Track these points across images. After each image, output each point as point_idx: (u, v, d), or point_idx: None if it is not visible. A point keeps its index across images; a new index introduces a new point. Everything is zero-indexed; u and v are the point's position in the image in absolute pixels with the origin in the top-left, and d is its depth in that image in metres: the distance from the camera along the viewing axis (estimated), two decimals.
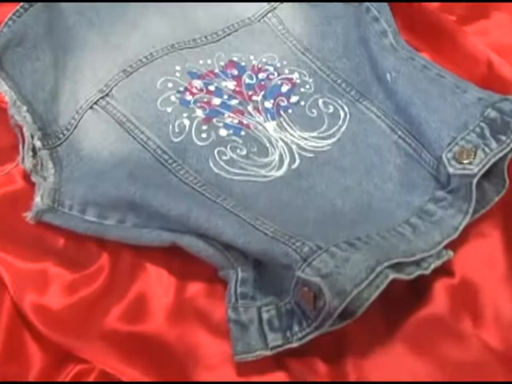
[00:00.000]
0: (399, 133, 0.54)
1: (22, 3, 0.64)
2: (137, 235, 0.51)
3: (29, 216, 0.55)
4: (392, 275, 0.42)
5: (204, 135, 0.55)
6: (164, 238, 0.49)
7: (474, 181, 0.47)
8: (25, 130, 0.58)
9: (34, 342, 0.48)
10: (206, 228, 0.47)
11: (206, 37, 0.64)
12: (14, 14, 0.64)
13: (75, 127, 0.58)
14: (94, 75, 0.61)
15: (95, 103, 0.59)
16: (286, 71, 0.61)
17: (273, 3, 0.66)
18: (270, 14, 0.65)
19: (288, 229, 0.47)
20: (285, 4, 0.65)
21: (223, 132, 0.55)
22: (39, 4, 0.64)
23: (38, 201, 0.55)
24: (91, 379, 0.46)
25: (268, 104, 0.58)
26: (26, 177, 0.58)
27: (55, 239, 0.53)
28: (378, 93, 0.57)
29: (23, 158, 0.57)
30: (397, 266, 0.44)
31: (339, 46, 0.62)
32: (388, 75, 0.56)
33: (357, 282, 0.42)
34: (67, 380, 0.46)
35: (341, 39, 0.62)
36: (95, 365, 0.45)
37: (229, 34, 0.64)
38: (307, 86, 0.59)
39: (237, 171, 0.53)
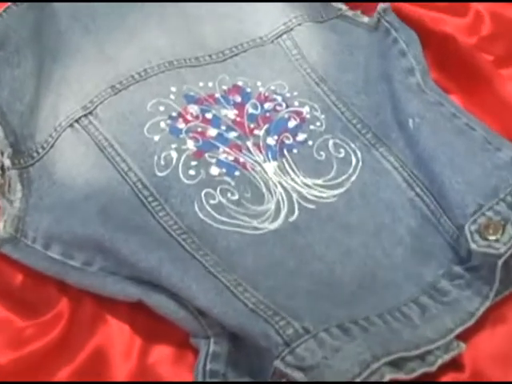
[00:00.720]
0: (417, 190, 0.48)
1: (9, 3, 0.58)
2: (100, 284, 0.45)
3: None
4: (389, 375, 0.36)
5: (192, 172, 0.49)
6: (129, 293, 0.43)
7: (500, 262, 0.40)
8: None
9: None
10: (179, 288, 0.41)
11: (210, 55, 0.57)
12: None
13: (51, 146, 0.52)
14: (80, 89, 0.54)
15: (76, 121, 0.53)
16: (296, 103, 0.54)
17: (289, 23, 0.59)
18: (285, 36, 0.58)
19: (274, 298, 0.40)
20: (303, 26, 0.59)
21: (215, 170, 0.49)
22: (26, 3, 0.58)
23: (0, 228, 0.49)
24: None
25: (271, 140, 0.52)
26: None
27: (13, 275, 0.47)
28: (398, 139, 0.50)
29: None
30: (397, 360, 0.37)
31: (359, 79, 0.55)
32: (411, 121, 0.50)
33: (347, 378, 0.35)
34: None
35: (361, 72, 0.55)
36: None
37: (236, 55, 0.58)
38: (318, 123, 0.53)
39: (225, 219, 0.46)
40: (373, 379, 0.35)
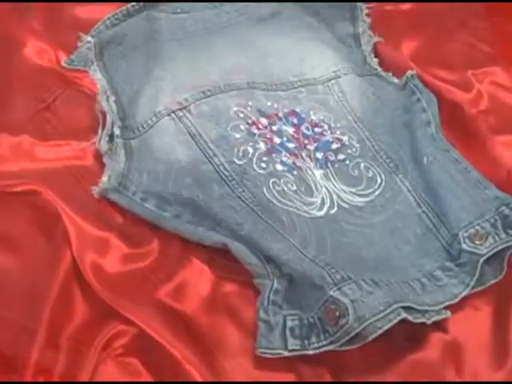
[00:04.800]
0: (423, 208, 0.67)
1: (122, 7, 0.78)
2: (191, 231, 0.62)
3: (95, 190, 0.66)
4: (403, 315, 0.54)
5: (263, 165, 0.67)
6: (217, 239, 0.61)
7: (481, 260, 0.60)
8: (108, 116, 0.70)
9: (81, 296, 0.59)
10: (257, 240, 0.59)
11: (276, 84, 0.77)
12: (113, 16, 0.77)
13: (151, 127, 0.70)
14: (175, 89, 0.73)
15: (173, 112, 0.71)
16: (338, 132, 0.74)
17: (338, 72, 0.79)
18: (333, 81, 0.79)
19: (324, 257, 0.59)
20: (348, 76, 0.79)
21: (279, 167, 0.68)
22: (141, 16, 0.77)
23: (105, 180, 0.66)
24: (125, 340, 0.56)
25: (319, 155, 0.71)
26: (96, 157, 0.69)
27: (115, 216, 0.65)
28: (413, 171, 0.70)
29: (100, 140, 0.69)
30: (407, 310, 0.55)
31: (386, 124, 0.75)
32: (425, 158, 0.70)
33: (375, 312, 0.53)
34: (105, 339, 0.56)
35: (388, 118, 0.76)
36: (140, 326, 0.56)
37: (295, 88, 0.77)
38: (353, 149, 0.72)
39: (286, 202, 0.65)
40: (392, 316, 0.54)
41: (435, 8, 0.89)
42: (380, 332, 0.54)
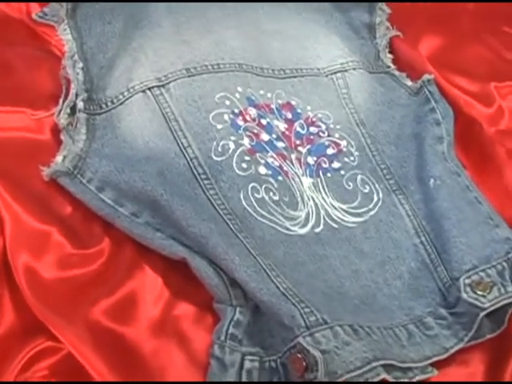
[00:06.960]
0: (422, 238, 0.58)
1: None
2: (149, 236, 0.52)
3: (45, 172, 0.56)
4: (383, 375, 0.45)
5: (244, 165, 0.57)
6: (176, 251, 0.51)
7: (482, 314, 0.50)
8: (72, 86, 0.59)
9: (10, 300, 0.49)
10: (222, 259, 0.49)
11: (273, 70, 0.67)
12: None
13: (121, 103, 0.60)
14: (155, 61, 0.63)
15: (149, 89, 0.60)
16: (336, 135, 0.64)
17: (345, 65, 0.69)
18: (339, 74, 0.68)
19: (299, 289, 0.49)
20: (356, 71, 0.69)
21: (263, 170, 0.58)
22: None
23: (59, 160, 0.57)
24: (53, 360, 0.47)
25: (310, 160, 0.61)
26: (54, 131, 0.59)
27: (63, 206, 0.55)
28: (415, 193, 0.61)
29: (59, 112, 0.59)
30: (387, 367, 0.46)
31: (393, 132, 0.65)
32: (432, 180, 0.60)
33: (350, 369, 0.44)
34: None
35: (396, 127, 0.66)
36: (67, 347, 0.46)
37: (295, 77, 0.67)
38: (351, 158, 0.62)
39: (264, 213, 0.55)
40: (369, 375, 0.45)
41: (465, 7, 0.79)
42: None
